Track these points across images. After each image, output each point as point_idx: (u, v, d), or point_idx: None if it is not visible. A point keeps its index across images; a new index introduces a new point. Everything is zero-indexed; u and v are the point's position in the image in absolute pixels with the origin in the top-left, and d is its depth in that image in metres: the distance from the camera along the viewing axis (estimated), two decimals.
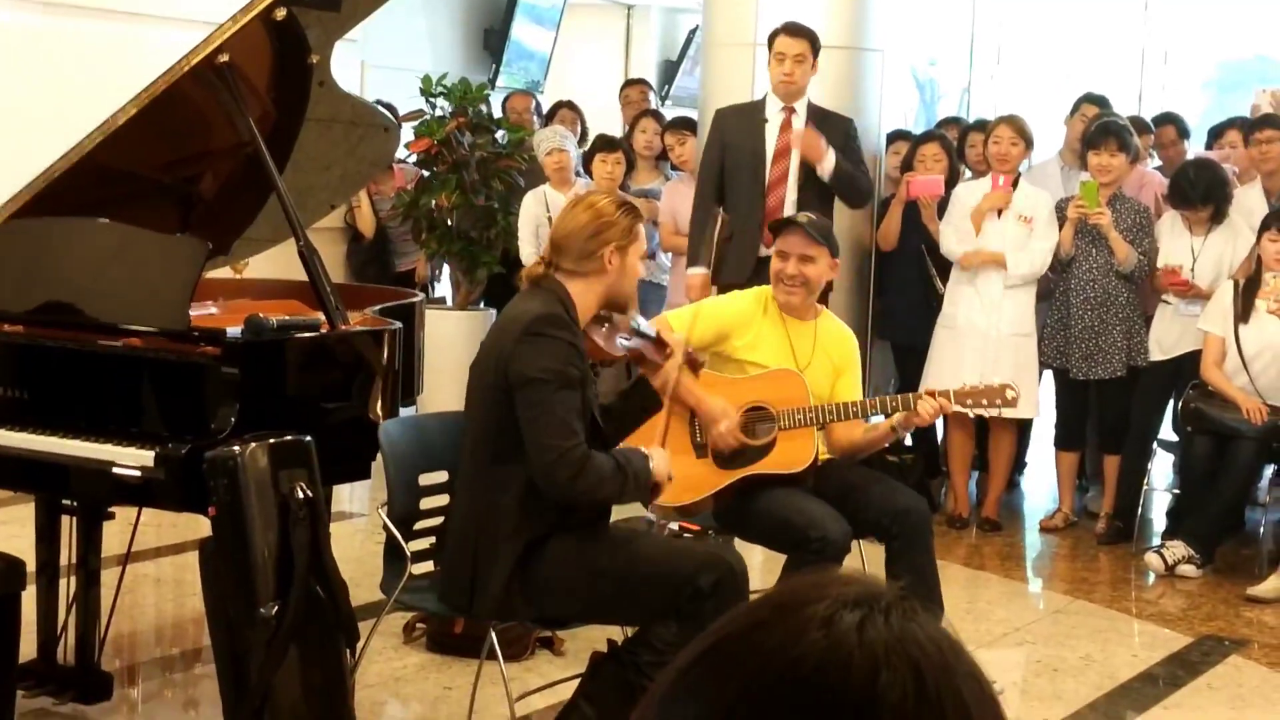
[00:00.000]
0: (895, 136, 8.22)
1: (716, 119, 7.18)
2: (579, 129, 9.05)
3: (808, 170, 6.93)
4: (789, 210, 6.78)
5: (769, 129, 7.00)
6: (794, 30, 6.91)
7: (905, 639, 0.93)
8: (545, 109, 9.70)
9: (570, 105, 9.44)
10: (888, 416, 4.87)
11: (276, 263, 5.22)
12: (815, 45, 6.90)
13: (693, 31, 13.08)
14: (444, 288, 9.60)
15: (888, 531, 4.78)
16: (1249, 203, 7.11)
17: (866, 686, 0.91)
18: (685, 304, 7.15)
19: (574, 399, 3.83)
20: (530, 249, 7.97)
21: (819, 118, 6.99)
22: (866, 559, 5.16)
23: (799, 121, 6.94)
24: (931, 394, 4.78)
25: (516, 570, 3.89)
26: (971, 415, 4.91)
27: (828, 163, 6.90)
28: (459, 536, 4.00)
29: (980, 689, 0.95)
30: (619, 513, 4.34)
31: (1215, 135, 7.80)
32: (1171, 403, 7.32)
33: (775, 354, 4.90)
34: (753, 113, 7.09)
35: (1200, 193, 6.89)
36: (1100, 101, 7.97)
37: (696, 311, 5.05)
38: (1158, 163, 8.17)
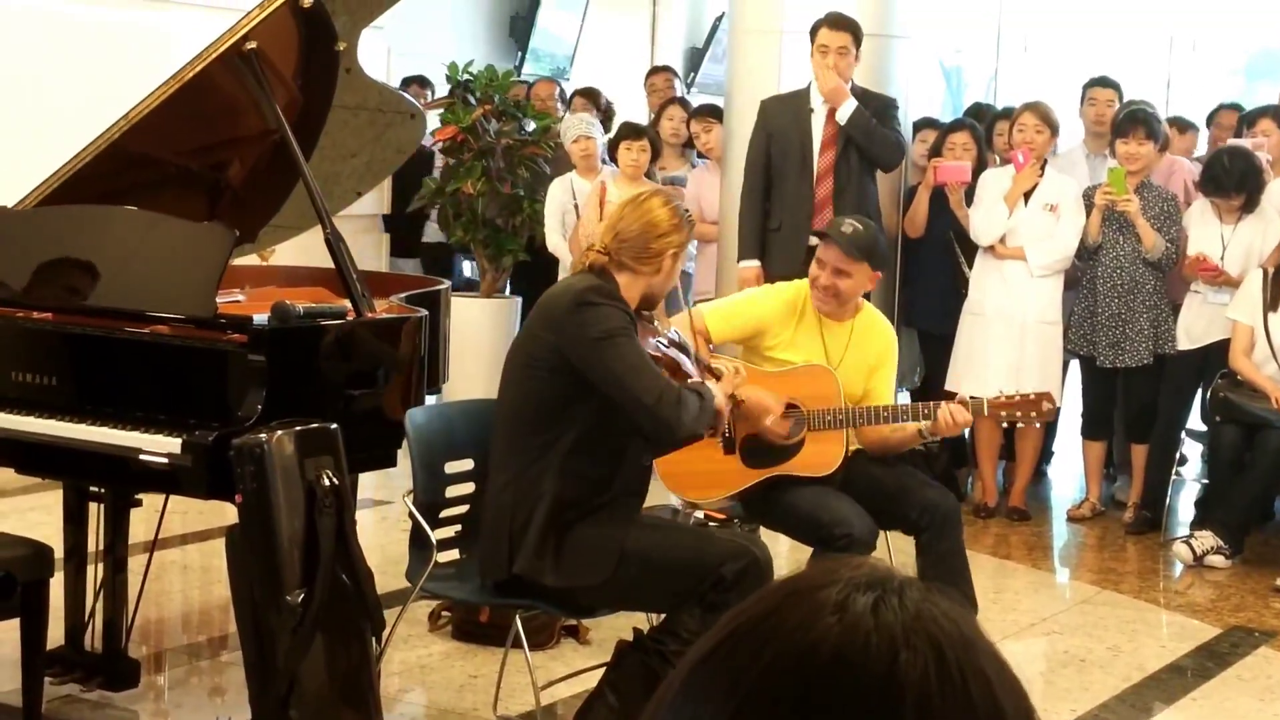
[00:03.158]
0: (922, 124, 8.18)
1: (762, 109, 7.10)
2: (598, 115, 9.02)
3: (847, 151, 6.90)
4: (836, 201, 6.76)
5: (815, 119, 6.95)
6: (836, 22, 6.84)
7: (922, 617, 0.93)
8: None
9: (588, 92, 9.39)
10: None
11: (303, 250, 5.22)
12: (858, 37, 6.84)
13: (718, 18, 13.04)
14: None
15: (916, 525, 4.75)
16: None
17: (886, 667, 0.90)
18: (713, 293, 7.18)
19: (642, 349, 3.91)
20: (557, 237, 7.95)
21: (860, 99, 6.92)
22: (894, 552, 5.14)
23: (844, 112, 6.89)
24: (964, 403, 4.73)
25: (550, 531, 3.91)
26: (1005, 425, 4.83)
27: (847, 106, 6.86)
28: (496, 510, 4.01)
29: (1000, 665, 0.94)
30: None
31: (1246, 124, 7.73)
32: (1200, 392, 7.27)
33: (807, 354, 4.85)
34: (798, 102, 7.03)
35: (1235, 181, 6.84)
36: (1105, 82, 7.86)
37: (730, 309, 5.01)
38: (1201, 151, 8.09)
